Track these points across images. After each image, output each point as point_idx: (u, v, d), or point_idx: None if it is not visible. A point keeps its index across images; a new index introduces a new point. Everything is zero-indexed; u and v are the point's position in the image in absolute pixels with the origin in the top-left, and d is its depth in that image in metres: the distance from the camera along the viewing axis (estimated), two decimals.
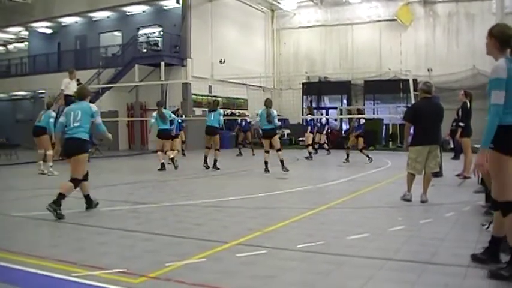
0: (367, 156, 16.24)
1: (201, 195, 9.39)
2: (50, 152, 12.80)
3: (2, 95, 34.74)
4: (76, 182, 7.18)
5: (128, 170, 13.37)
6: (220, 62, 27.20)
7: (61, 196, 6.89)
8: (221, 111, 14.99)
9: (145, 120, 22.11)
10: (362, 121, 16.77)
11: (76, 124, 7.33)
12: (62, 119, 7.63)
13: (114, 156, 21.23)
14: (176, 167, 14.09)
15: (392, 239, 5.61)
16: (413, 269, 4.45)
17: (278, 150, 13.02)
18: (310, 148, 18.50)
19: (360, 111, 19.08)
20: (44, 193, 9.49)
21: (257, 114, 13.09)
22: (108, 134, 8.15)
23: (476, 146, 9.33)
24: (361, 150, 16.53)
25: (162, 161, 13.92)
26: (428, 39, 28.14)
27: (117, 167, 16.71)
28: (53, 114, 13.22)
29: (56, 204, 6.79)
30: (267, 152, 13.15)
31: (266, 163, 13.05)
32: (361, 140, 16.62)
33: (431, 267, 4.51)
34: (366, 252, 5.07)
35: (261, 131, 14.03)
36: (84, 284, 4.08)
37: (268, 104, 13.25)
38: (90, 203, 7.61)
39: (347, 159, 16.47)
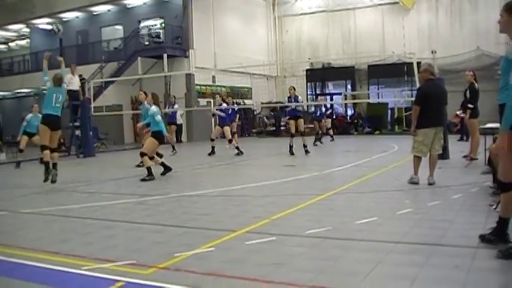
0: (317, 140, 18.54)
1: (207, 185, 9.41)
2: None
3: (6, 93, 34.85)
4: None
5: (134, 163, 13.38)
6: None
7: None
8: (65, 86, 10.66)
9: None
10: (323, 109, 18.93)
11: None
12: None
13: (120, 150, 21.28)
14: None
15: (401, 222, 5.61)
16: (422, 251, 4.45)
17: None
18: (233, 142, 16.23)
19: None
20: (51, 189, 9.58)
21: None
22: None
23: (483, 127, 9.33)
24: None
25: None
26: (431, 21, 27.89)
27: (123, 160, 16.73)
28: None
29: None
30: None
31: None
32: (316, 124, 18.84)
33: (440, 249, 4.51)
34: (374, 236, 5.07)
35: None
36: (95, 276, 4.10)
37: None
38: None
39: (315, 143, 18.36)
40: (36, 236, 5.75)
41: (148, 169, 10.28)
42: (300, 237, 5.12)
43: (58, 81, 10.28)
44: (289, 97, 14.94)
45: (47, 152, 9.84)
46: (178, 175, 11.43)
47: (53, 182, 9.85)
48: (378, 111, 26.54)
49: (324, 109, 20.15)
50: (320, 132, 19.35)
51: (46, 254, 4.81)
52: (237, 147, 15.69)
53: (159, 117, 10.76)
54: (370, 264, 4.11)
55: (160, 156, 11.73)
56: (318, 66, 30.56)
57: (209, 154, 15.61)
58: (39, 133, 10.43)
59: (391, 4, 28.78)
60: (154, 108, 10.94)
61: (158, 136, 10.66)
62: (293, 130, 14.75)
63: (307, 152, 14.40)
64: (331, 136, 20.29)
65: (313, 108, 19.25)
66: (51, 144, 10.07)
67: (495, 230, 4.45)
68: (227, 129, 16.06)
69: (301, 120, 14.74)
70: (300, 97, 15.25)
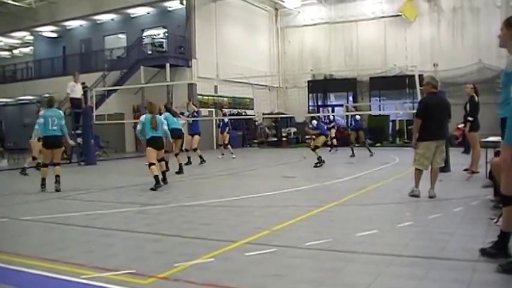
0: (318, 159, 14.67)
1: (208, 195, 9.39)
2: None
3: (8, 100, 34.96)
4: None
5: (135, 172, 13.41)
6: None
7: None
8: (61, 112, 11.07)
9: None
10: (314, 122, 15.27)
11: None
12: None
13: (121, 158, 21.29)
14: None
15: (401, 235, 5.60)
16: (422, 264, 4.44)
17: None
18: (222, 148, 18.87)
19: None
20: (51, 197, 9.58)
21: None
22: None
23: (484, 140, 9.33)
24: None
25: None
26: (433, 34, 28.00)
27: (124, 168, 16.75)
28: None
29: None
30: None
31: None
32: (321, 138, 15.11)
33: (440, 262, 4.49)
34: (374, 248, 5.06)
35: None
36: (94, 285, 4.09)
37: None
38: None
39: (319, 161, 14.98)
40: (36, 243, 5.74)
41: (156, 177, 10.28)
42: (300, 248, 5.11)
43: (49, 102, 10.85)
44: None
45: (45, 169, 10.62)
46: (179, 184, 11.43)
47: (57, 191, 10.21)
48: (379, 123, 26.54)
49: (358, 118, 19.05)
50: (356, 142, 18.87)
51: (45, 262, 4.80)
52: (200, 156, 16.01)
53: (138, 126, 10.72)
54: (370, 276, 4.10)
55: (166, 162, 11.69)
56: (320, 78, 30.66)
57: (200, 163, 15.83)
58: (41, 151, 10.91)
59: (394, 17, 28.93)
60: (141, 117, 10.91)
61: (148, 144, 10.60)
62: (312, 146, 14.98)
63: (317, 165, 14.27)
64: (332, 147, 20.25)
65: (343, 120, 18.85)
66: (54, 160, 10.66)
67: (496, 243, 4.44)
68: (196, 138, 16.42)
69: (321, 137, 14.87)
70: (314, 121, 15.22)
